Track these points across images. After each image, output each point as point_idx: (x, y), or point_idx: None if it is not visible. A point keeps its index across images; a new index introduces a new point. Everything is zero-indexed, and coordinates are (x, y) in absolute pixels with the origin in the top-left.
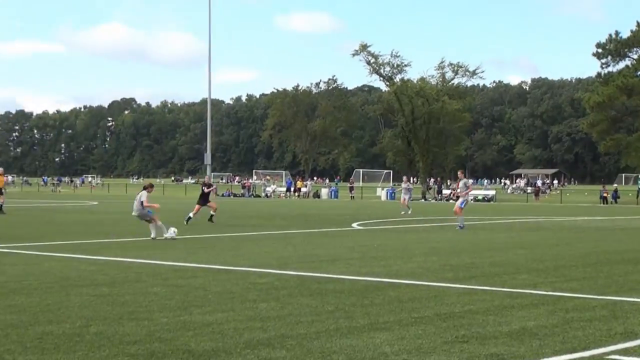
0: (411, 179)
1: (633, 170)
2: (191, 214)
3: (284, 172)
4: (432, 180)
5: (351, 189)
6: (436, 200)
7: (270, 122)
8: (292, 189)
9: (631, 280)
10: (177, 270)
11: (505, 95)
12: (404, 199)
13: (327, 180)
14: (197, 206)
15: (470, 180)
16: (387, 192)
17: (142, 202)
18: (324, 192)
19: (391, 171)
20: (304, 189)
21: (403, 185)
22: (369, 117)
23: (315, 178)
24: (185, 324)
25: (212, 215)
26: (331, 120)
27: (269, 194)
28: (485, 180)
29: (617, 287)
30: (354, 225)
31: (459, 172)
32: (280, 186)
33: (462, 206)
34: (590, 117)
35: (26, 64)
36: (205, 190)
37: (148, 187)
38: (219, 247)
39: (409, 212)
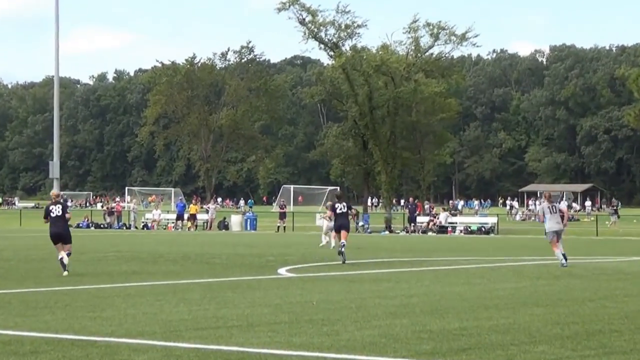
0: (369, 199)
1: None
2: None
3: (172, 190)
4: (402, 201)
5: (282, 215)
6: (407, 231)
7: (152, 112)
8: (187, 215)
9: None
10: (7, 343)
11: (512, 71)
12: (328, 227)
13: (241, 203)
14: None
15: (564, 204)
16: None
17: None
18: (235, 220)
19: (338, 188)
20: (203, 217)
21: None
22: (303, 106)
23: (220, 199)
24: None
25: (63, 259)
26: (246, 109)
27: (149, 224)
28: (480, 202)
29: None
30: (282, 271)
31: (545, 194)
32: (168, 211)
33: (551, 239)
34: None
35: None
36: (56, 214)
37: None
38: (73, 306)
39: (323, 245)
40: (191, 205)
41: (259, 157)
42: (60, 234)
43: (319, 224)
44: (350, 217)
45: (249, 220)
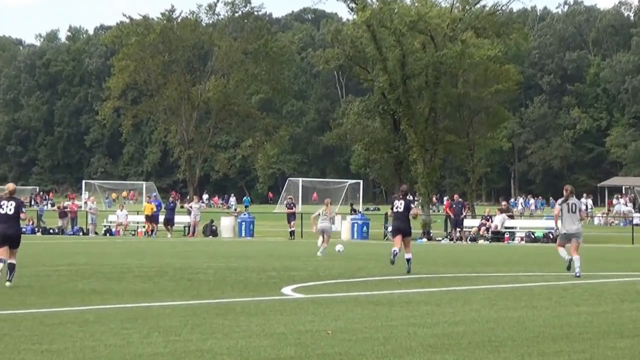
0: (408, 195)
1: None
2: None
3: (144, 184)
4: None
5: (291, 217)
6: (451, 239)
7: (117, 83)
8: (170, 218)
9: None
10: None
11: (589, 30)
12: (322, 232)
13: (232, 201)
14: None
15: (588, 202)
16: (353, 224)
17: None
18: (226, 224)
19: (361, 181)
20: (184, 219)
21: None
22: (315, 74)
23: (207, 196)
24: None
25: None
26: (240, 79)
27: (113, 229)
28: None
29: None
30: (287, 290)
31: (566, 188)
32: (137, 212)
33: (560, 241)
34: None
35: None
36: (6, 211)
37: None
38: (13, 336)
39: (320, 255)
40: (145, 204)
41: (258, 142)
42: (11, 236)
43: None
44: (412, 217)
45: (244, 223)
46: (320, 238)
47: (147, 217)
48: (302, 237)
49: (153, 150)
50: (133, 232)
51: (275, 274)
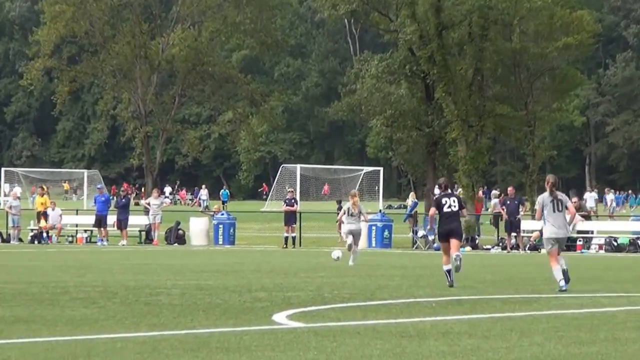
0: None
1: None
2: None
3: (85, 173)
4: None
5: (290, 217)
6: (505, 247)
7: (49, 35)
8: (123, 219)
9: None
10: None
11: None
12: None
13: (203, 195)
14: None
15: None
16: (370, 228)
17: None
18: (198, 227)
19: (381, 169)
20: (140, 220)
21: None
22: (319, 23)
23: (170, 190)
24: None
25: None
26: (216, 29)
27: (44, 234)
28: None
29: None
30: (280, 317)
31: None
32: (77, 211)
33: (549, 249)
34: None
35: None
36: None
37: None
38: None
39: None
40: (37, 197)
41: (240, 115)
42: None
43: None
44: (462, 217)
45: (221, 226)
46: (349, 242)
47: (38, 215)
48: (300, 244)
49: (97, 127)
50: (70, 239)
51: (264, 296)
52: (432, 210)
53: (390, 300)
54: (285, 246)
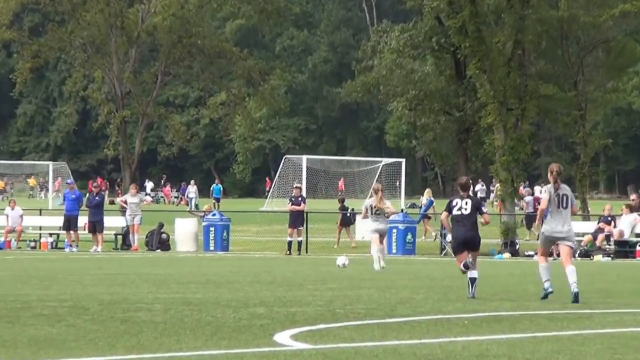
0: (477, 184)
1: None
2: None
3: (50, 165)
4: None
5: (296, 219)
6: (550, 254)
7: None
8: (98, 220)
9: None
10: None
11: None
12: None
13: (191, 191)
14: None
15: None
16: (391, 231)
17: None
18: (185, 229)
19: (403, 161)
20: (114, 222)
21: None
22: None
23: (152, 185)
24: None
25: None
26: None
27: (2, 238)
28: None
29: None
30: (283, 338)
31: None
32: (40, 212)
33: (543, 244)
34: None
35: None
36: None
37: None
38: None
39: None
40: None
41: (235, 97)
42: None
43: (368, 239)
44: (482, 223)
45: (212, 229)
46: (375, 245)
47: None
48: (307, 251)
49: (65, 112)
50: (33, 243)
51: (264, 312)
52: (444, 215)
53: (414, 316)
54: (289, 252)
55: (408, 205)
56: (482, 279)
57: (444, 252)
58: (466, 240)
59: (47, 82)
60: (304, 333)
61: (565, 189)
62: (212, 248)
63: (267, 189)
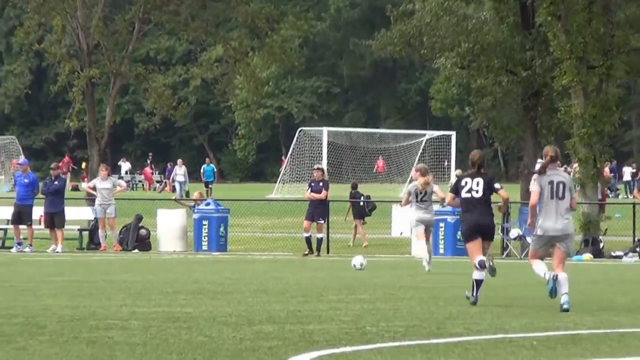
0: (537, 164)
1: None
2: None
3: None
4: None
5: (316, 209)
6: None
7: None
8: (57, 211)
9: None
10: None
11: None
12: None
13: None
14: None
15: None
16: (437, 225)
17: None
18: (170, 224)
19: (453, 134)
20: (80, 215)
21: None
22: None
23: (128, 166)
24: None
25: None
26: None
27: None
28: None
29: None
30: None
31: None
32: None
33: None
34: None
35: None
36: None
37: None
38: None
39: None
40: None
41: (235, 52)
42: None
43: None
44: (501, 204)
45: (206, 222)
46: (420, 239)
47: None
48: (328, 251)
49: (14, 71)
50: None
51: (273, 330)
52: (450, 196)
53: (467, 336)
54: (309, 252)
55: None
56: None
57: (506, 252)
58: (479, 226)
59: None
60: (324, 358)
61: (561, 175)
62: (205, 248)
63: (281, 170)
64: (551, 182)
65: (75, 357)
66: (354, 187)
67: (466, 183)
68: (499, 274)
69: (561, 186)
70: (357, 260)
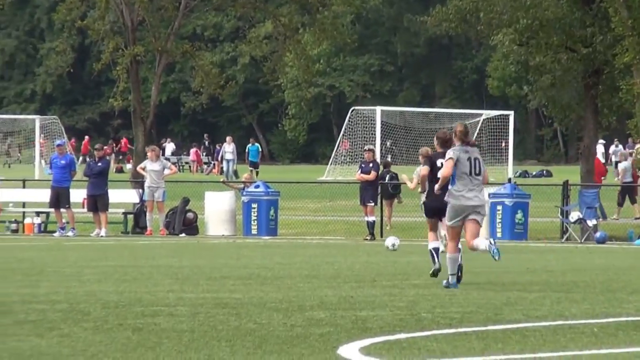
0: (601, 145)
1: None
2: None
3: (37, 119)
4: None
5: (366, 193)
6: None
7: None
8: (100, 194)
9: None
10: None
11: None
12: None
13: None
14: None
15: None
16: (494, 208)
17: None
18: (218, 206)
19: (511, 113)
20: (126, 198)
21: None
22: None
23: (173, 147)
24: None
25: None
26: None
27: None
28: None
29: None
30: (350, 351)
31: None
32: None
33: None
34: None
35: None
36: None
37: None
38: None
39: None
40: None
41: (285, 28)
42: None
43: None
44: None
45: (256, 205)
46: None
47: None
48: (381, 235)
49: (56, 48)
50: (14, 226)
51: (324, 317)
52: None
53: (525, 322)
54: (369, 237)
55: (517, 174)
56: (616, 272)
57: (566, 236)
58: (443, 208)
59: (32, 9)
60: (377, 345)
61: (475, 151)
62: (254, 232)
63: (341, 151)
64: (469, 159)
65: (121, 344)
66: (386, 166)
67: (442, 163)
68: (558, 258)
69: (477, 162)
70: (390, 241)
